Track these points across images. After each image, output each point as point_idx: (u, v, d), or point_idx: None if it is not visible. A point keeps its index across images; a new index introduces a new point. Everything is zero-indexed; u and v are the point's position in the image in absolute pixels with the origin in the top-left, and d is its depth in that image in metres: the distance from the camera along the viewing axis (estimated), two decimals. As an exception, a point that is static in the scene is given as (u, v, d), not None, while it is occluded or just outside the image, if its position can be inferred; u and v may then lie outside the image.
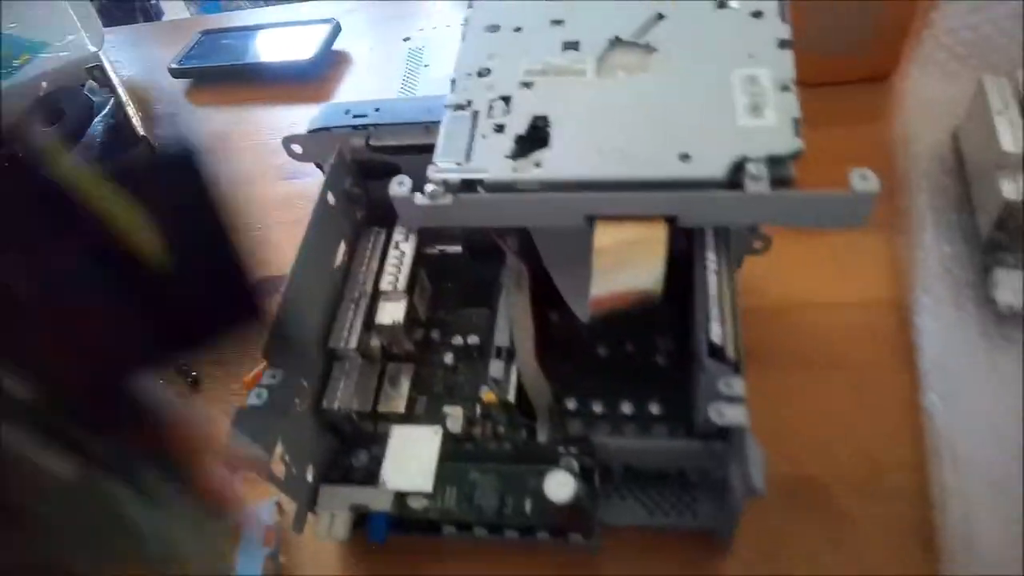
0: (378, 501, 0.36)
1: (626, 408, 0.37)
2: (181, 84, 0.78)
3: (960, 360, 0.38)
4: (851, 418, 0.39)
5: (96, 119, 0.69)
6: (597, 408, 0.37)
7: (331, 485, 0.37)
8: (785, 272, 0.45)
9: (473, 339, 0.41)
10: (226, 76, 0.77)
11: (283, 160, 0.68)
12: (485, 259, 0.45)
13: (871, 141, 0.51)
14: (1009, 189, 0.40)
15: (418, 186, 0.33)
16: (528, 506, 0.36)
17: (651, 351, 0.39)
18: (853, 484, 0.37)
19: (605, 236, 0.31)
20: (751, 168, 0.29)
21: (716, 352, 0.28)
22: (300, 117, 0.73)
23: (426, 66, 0.71)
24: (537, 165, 0.31)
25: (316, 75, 0.73)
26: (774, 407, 0.35)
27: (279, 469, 0.34)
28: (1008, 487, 0.33)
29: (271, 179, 0.66)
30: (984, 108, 0.44)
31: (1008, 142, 0.41)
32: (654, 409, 0.37)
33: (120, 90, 0.70)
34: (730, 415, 0.27)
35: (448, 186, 0.32)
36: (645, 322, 0.41)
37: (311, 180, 0.64)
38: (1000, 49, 0.52)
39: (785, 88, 0.31)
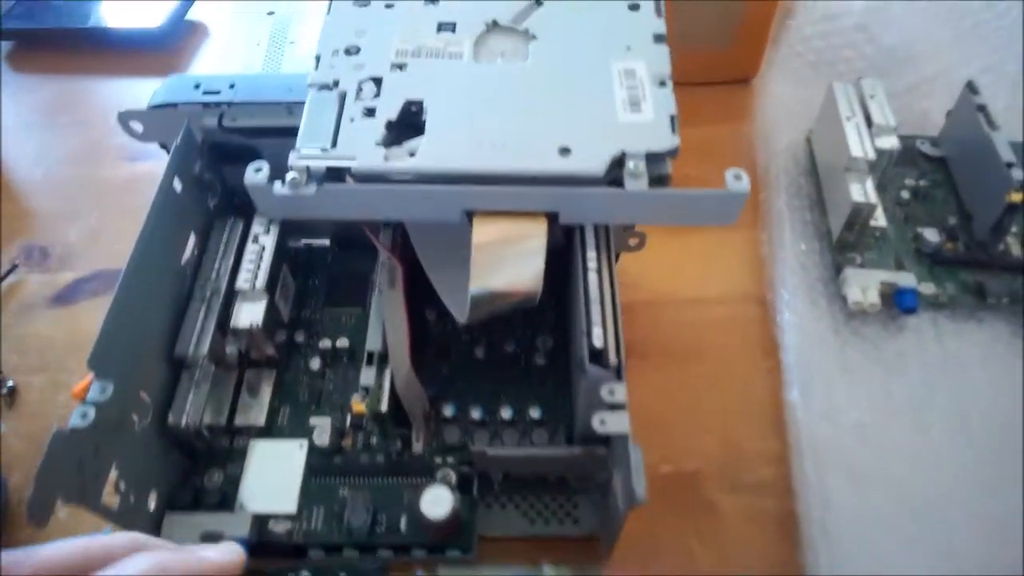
0: (233, 526, 0.32)
1: (505, 413, 0.36)
2: (0, 47, 0.68)
3: (816, 355, 0.40)
4: (719, 412, 0.40)
5: None
6: (475, 414, 0.36)
7: (179, 513, 0.33)
8: (654, 268, 0.45)
9: (342, 342, 0.38)
10: (58, 40, 0.67)
11: (125, 139, 0.61)
12: (355, 253, 0.42)
13: (734, 140, 0.53)
14: (857, 192, 0.42)
15: (279, 173, 0.29)
16: (403, 523, 0.33)
17: (530, 351, 0.38)
18: (722, 478, 0.38)
19: (483, 232, 0.30)
20: (630, 165, 0.28)
21: (597, 357, 0.27)
22: (146, 92, 0.65)
23: (292, 43, 0.66)
24: (411, 154, 0.29)
25: (166, 46, 0.66)
26: (646, 402, 0.35)
27: (111, 500, 0.29)
28: (863, 477, 0.35)
29: (111, 160, 0.58)
30: (834, 113, 0.46)
31: (856, 147, 0.43)
32: (534, 413, 0.36)
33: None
34: (612, 423, 0.26)
35: (311, 174, 0.29)
36: (524, 320, 0.39)
37: (159, 162, 0.57)
38: (847, 59, 0.55)
39: (662, 83, 0.31)
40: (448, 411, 0.36)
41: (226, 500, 0.34)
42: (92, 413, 0.27)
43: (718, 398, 0.41)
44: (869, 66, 0.54)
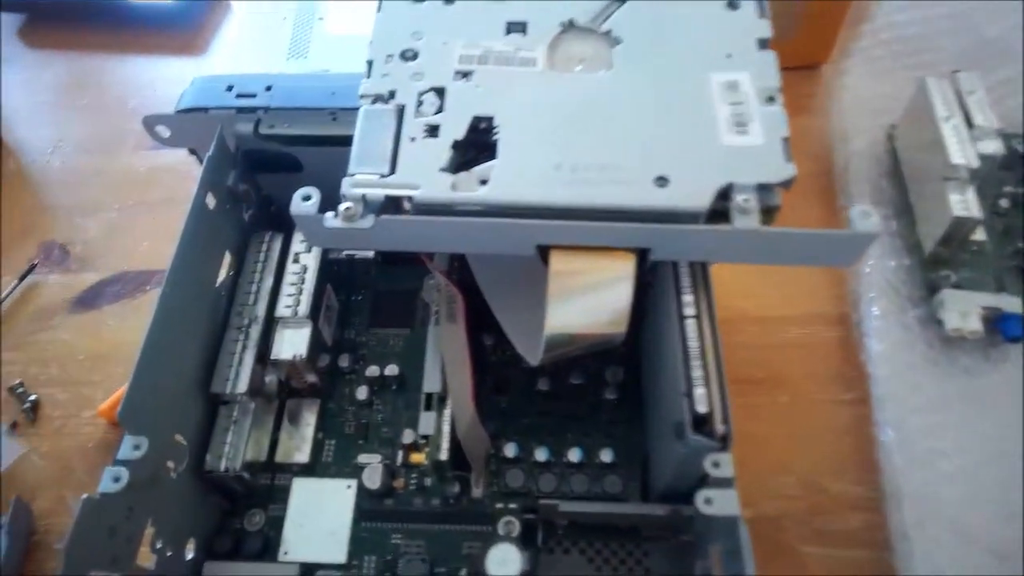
0: (278, 580, 0.30)
1: (573, 456, 0.32)
2: (12, 20, 0.63)
3: (910, 389, 0.36)
4: (799, 448, 0.37)
5: None
6: (540, 455, 0.33)
7: (218, 562, 0.30)
8: (724, 282, 0.41)
9: (391, 369, 0.35)
10: (71, 14, 0.63)
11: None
12: (402, 268, 0.38)
13: (803, 134, 0.48)
14: (958, 204, 0.38)
15: (322, 191, 0.25)
16: (462, 577, 0.30)
17: (599, 384, 0.35)
18: (805, 525, 0.34)
19: (562, 268, 0.26)
20: (739, 199, 0.24)
21: (701, 424, 0.24)
22: (164, 73, 0.61)
23: (320, 19, 0.61)
24: (482, 182, 0.25)
25: (185, 22, 0.62)
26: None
27: (146, 558, 0.27)
28: (970, 535, 0.32)
29: (130, 149, 0.55)
30: (927, 111, 0.41)
31: (956, 153, 0.39)
32: (605, 456, 0.32)
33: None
34: (721, 504, 0.23)
35: (368, 204, 0.25)
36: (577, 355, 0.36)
37: (182, 152, 0.53)
38: (934, 49, 0.50)
39: (770, 99, 0.27)
40: (510, 451, 0.33)
41: (268, 545, 0.32)
42: (125, 475, 0.24)
43: (797, 432, 0.37)
44: (956, 58, 0.49)
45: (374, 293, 0.38)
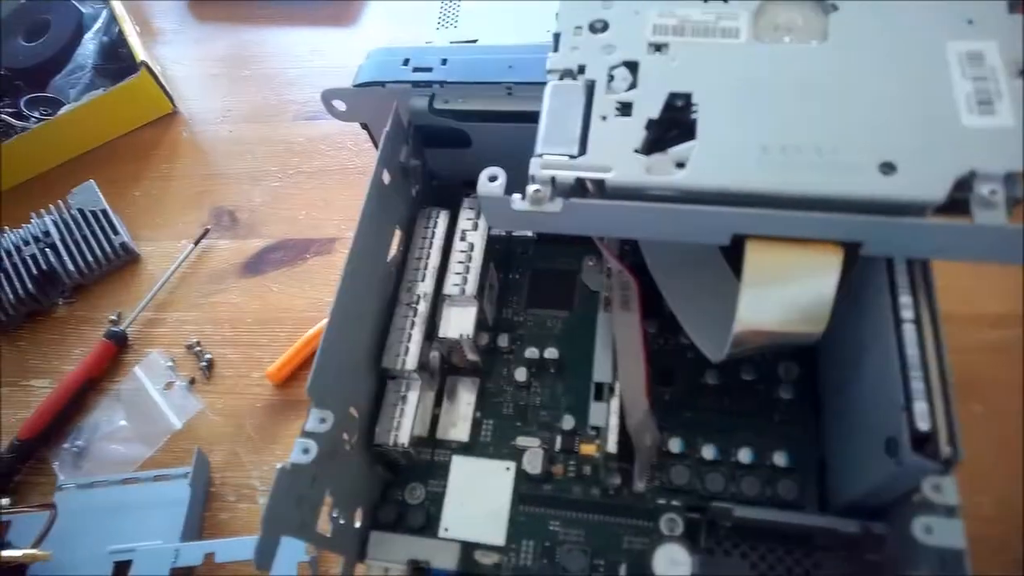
0: (440, 556, 0.30)
1: (744, 456, 0.31)
2: (180, -4, 0.67)
3: None
4: (994, 465, 0.33)
5: (87, 35, 0.59)
6: (708, 453, 0.31)
7: (383, 532, 0.31)
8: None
9: (551, 352, 0.34)
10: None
11: (303, 95, 0.60)
12: (561, 247, 0.37)
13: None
14: None
15: (490, 164, 0.25)
16: (622, 573, 0.30)
17: (772, 380, 0.32)
18: (1005, 552, 0.31)
19: (759, 259, 0.24)
20: (983, 190, 0.21)
21: (922, 442, 0.21)
22: (319, 43, 0.63)
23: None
24: (679, 165, 0.24)
25: (336, -7, 0.63)
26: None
27: (325, 526, 0.27)
28: None
29: (289, 118, 0.57)
30: None
31: None
32: (779, 460, 0.30)
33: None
34: (943, 534, 0.20)
35: (557, 187, 0.24)
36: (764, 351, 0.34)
37: (339, 123, 0.55)
38: None
39: (1023, 72, 0.23)
40: (674, 446, 0.31)
41: (429, 520, 0.32)
42: (314, 448, 0.25)
43: (993, 446, 0.33)
44: None
45: (532, 272, 0.37)
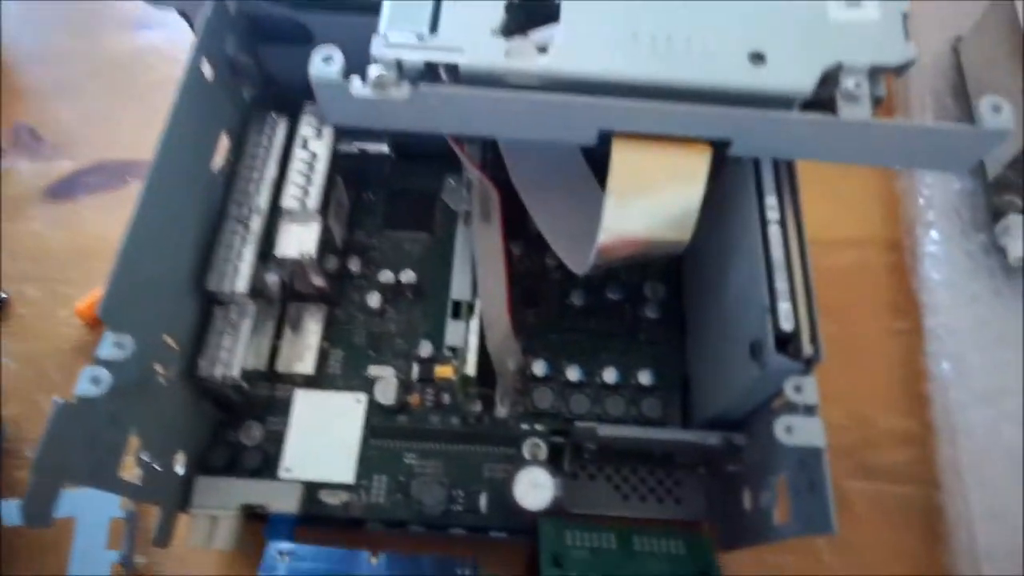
0: (279, 498, 0.27)
1: (609, 376, 0.30)
2: None
3: (971, 320, 0.33)
4: (842, 379, 0.34)
5: None
6: (572, 375, 0.30)
7: (211, 477, 0.27)
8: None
9: (407, 275, 0.31)
10: None
11: (130, 3, 0.52)
12: (420, 165, 0.34)
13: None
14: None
15: (352, 64, 0.21)
16: (483, 502, 0.28)
17: (638, 300, 0.31)
18: (849, 460, 0.32)
19: (625, 161, 0.22)
20: (848, 83, 0.20)
21: (786, 343, 0.21)
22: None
23: None
24: (541, 49, 0.21)
25: None
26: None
27: (132, 472, 0.23)
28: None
29: (113, 28, 0.48)
30: (998, 25, 0.37)
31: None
32: (644, 378, 0.30)
33: None
34: (803, 433, 0.20)
35: (404, 71, 0.21)
36: (630, 263, 0.32)
37: (170, 33, 0.48)
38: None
39: (887, -32, 0.22)
40: (538, 369, 0.30)
41: (268, 462, 0.29)
42: (106, 377, 0.21)
43: (842, 362, 0.34)
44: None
45: (388, 192, 0.34)
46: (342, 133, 0.32)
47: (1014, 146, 0.35)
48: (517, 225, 0.32)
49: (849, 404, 0.33)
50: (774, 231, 0.22)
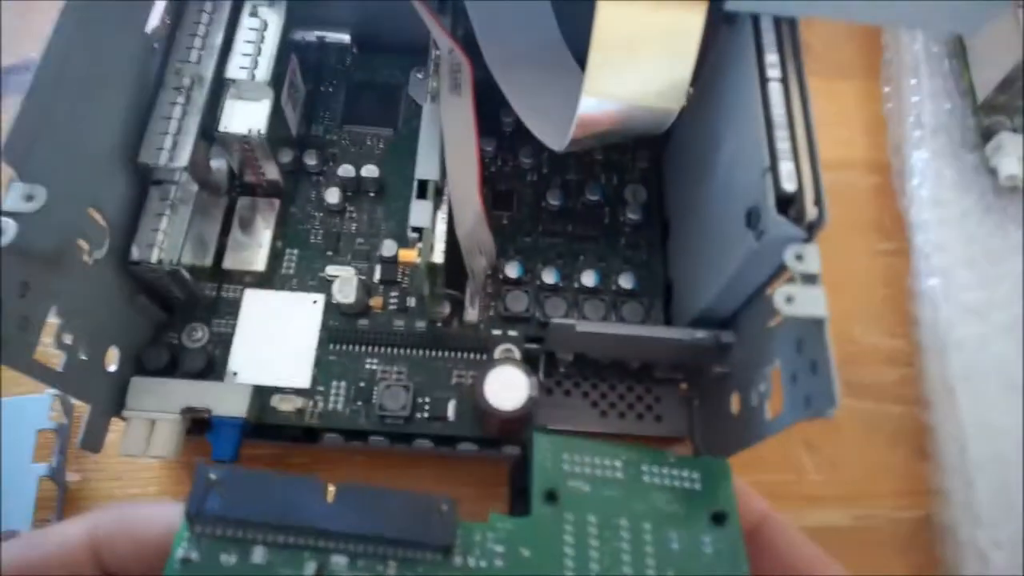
0: (225, 400, 0.24)
1: (588, 280, 0.27)
2: None
3: (960, 237, 0.32)
4: (829, 296, 0.33)
5: None
6: (548, 278, 0.27)
7: (149, 377, 0.24)
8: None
9: (369, 170, 0.28)
10: None
11: None
12: (383, 58, 0.31)
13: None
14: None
15: None
16: (451, 409, 0.25)
17: (618, 203, 0.29)
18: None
19: (611, 17, 0.20)
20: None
21: (787, 206, 0.19)
22: None
23: None
24: None
25: None
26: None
27: (51, 356, 0.20)
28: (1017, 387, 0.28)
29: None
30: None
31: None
32: (625, 282, 0.27)
33: None
34: (804, 302, 0.18)
35: None
36: (607, 162, 0.30)
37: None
38: None
39: None
40: (512, 271, 0.27)
41: (213, 365, 0.26)
42: (12, 228, 0.18)
43: (827, 283, 0.33)
44: None
45: (349, 85, 0.31)
46: (299, 18, 0.29)
47: (1004, 68, 0.34)
48: (490, 121, 0.29)
49: (835, 325, 0.32)
50: (775, 88, 0.20)
